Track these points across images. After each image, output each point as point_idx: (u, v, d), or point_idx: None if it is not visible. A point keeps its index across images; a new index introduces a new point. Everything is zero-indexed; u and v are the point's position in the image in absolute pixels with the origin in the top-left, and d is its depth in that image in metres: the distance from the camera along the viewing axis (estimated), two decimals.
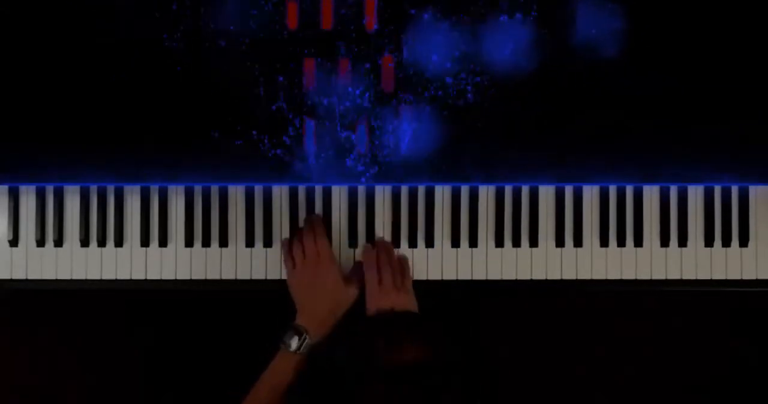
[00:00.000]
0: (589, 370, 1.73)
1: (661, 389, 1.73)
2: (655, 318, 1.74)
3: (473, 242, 1.54)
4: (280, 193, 1.54)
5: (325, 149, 1.49)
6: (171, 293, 1.58)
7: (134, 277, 1.54)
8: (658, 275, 1.55)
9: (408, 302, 1.49)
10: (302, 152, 1.49)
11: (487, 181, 1.51)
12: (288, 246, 1.51)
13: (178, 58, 1.48)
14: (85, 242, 1.53)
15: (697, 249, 1.55)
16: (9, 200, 1.54)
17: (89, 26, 1.48)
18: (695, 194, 1.55)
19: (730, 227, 1.55)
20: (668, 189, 1.54)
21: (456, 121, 1.49)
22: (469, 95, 1.48)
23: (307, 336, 1.44)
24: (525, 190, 1.54)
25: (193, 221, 1.54)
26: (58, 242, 1.54)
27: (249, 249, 1.54)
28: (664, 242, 1.54)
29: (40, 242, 1.54)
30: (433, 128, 1.49)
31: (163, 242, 1.53)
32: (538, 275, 1.54)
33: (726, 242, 1.55)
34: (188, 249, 1.54)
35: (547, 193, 1.54)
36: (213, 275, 1.54)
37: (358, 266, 1.53)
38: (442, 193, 1.54)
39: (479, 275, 1.54)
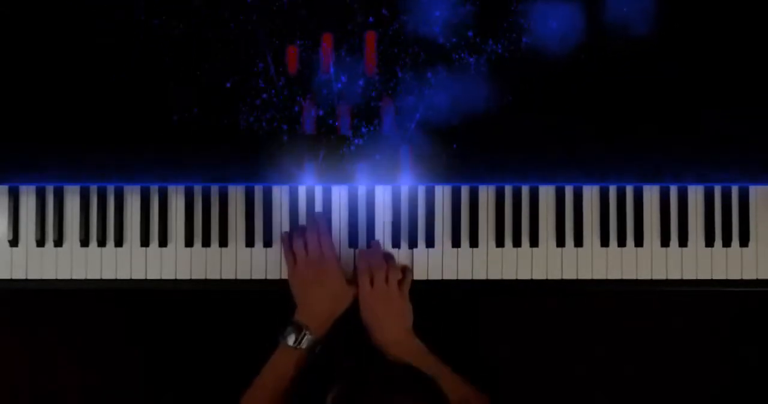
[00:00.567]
0: (589, 370, 1.73)
1: (662, 389, 1.73)
2: (655, 318, 1.73)
3: (474, 242, 1.54)
4: (280, 193, 1.54)
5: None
6: (171, 293, 1.58)
7: (134, 277, 1.54)
8: (659, 275, 1.55)
9: (401, 308, 1.49)
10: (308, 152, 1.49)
11: (487, 181, 1.52)
12: (288, 241, 1.51)
13: (178, 58, 1.48)
14: (85, 242, 1.53)
15: (698, 249, 1.55)
16: (9, 200, 1.53)
17: (89, 26, 1.48)
18: (695, 194, 1.55)
19: (730, 227, 1.54)
20: (668, 189, 1.54)
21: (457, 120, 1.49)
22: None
23: (307, 332, 1.45)
24: (525, 190, 1.54)
25: (193, 221, 1.54)
26: (58, 242, 1.53)
27: (249, 249, 1.54)
28: (665, 242, 1.54)
29: (40, 242, 1.54)
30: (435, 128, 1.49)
31: (163, 242, 1.53)
32: (539, 275, 1.54)
33: (726, 242, 1.55)
34: (188, 249, 1.54)
35: (547, 193, 1.54)
36: (213, 275, 1.54)
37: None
38: (442, 193, 1.54)
39: (479, 275, 1.54)
